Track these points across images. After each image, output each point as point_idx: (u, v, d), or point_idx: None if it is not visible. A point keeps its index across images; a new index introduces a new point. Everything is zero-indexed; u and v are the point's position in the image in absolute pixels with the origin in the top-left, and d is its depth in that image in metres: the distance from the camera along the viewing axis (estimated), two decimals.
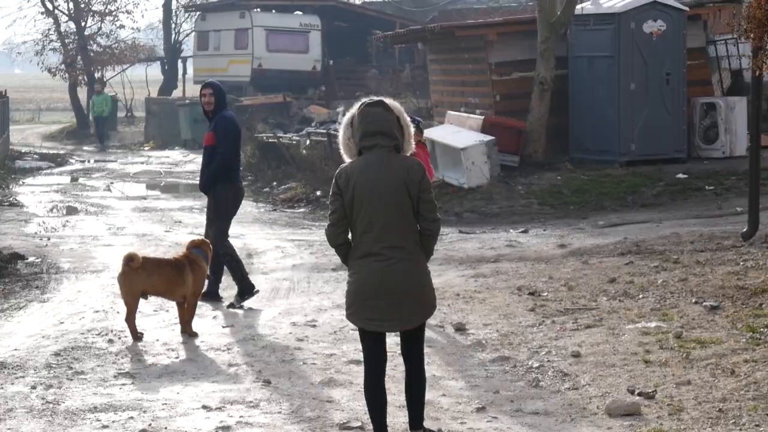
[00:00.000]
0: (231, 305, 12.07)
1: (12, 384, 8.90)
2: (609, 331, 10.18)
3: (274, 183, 24.99)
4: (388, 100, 7.08)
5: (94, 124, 42.88)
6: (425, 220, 6.94)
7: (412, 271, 6.94)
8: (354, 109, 7.05)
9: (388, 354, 7.25)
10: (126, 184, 27.40)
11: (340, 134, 7.14)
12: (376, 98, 7.10)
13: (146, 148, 40.76)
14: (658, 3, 21.23)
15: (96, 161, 34.67)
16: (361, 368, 9.24)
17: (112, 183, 27.72)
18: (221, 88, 12.48)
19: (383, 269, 6.87)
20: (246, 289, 12.16)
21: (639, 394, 8.14)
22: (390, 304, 6.90)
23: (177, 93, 49.97)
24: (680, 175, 20.30)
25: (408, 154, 7.06)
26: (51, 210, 21.70)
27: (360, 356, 9.56)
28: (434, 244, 7.08)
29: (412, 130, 7.14)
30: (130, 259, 10.46)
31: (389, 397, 8.24)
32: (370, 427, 7.67)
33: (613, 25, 21.17)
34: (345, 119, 7.12)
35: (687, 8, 21.90)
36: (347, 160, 7.12)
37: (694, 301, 11.05)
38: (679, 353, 9.18)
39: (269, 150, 27.54)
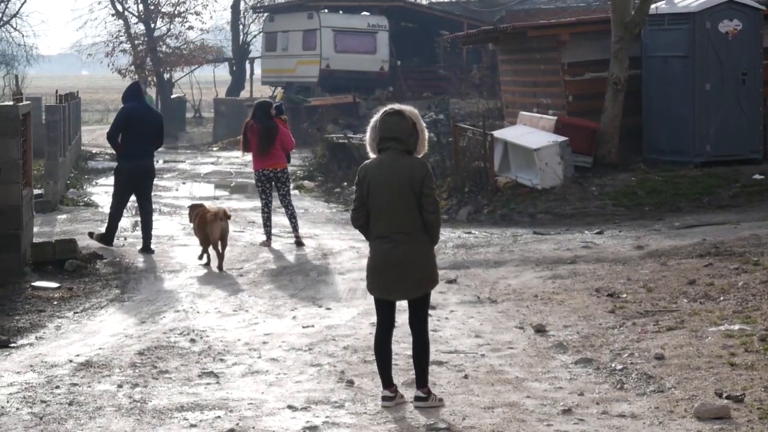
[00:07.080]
0: (90, 234, 16.42)
1: (99, 383, 8.99)
2: (691, 333, 10.07)
3: (345, 183, 25.07)
4: (407, 109, 8.33)
5: None
6: (425, 212, 8.20)
7: (410, 252, 8.20)
8: (378, 115, 8.32)
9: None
10: (196, 185, 27.61)
11: (367, 135, 8.45)
12: (396, 107, 8.35)
13: (215, 149, 41.02)
14: (734, 2, 20.98)
15: (165, 161, 34.95)
16: (443, 369, 9.36)
17: (183, 183, 27.95)
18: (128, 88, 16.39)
19: (389, 249, 8.22)
20: (106, 238, 16.10)
21: (727, 398, 8.04)
22: (393, 277, 8.24)
23: (245, 94, 50.32)
24: (757, 176, 20.06)
25: (421, 155, 8.32)
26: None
27: (441, 357, 9.70)
28: (435, 232, 8.31)
29: (427, 134, 8.41)
30: (225, 215, 14.56)
31: (473, 399, 8.31)
32: (458, 428, 7.69)
33: (688, 25, 20.96)
34: (371, 122, 8.39)
35: (764, 7, 21.63)
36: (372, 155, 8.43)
37: None
38: (765, 356, 9.06)
39: (339, 150, 27.65)
